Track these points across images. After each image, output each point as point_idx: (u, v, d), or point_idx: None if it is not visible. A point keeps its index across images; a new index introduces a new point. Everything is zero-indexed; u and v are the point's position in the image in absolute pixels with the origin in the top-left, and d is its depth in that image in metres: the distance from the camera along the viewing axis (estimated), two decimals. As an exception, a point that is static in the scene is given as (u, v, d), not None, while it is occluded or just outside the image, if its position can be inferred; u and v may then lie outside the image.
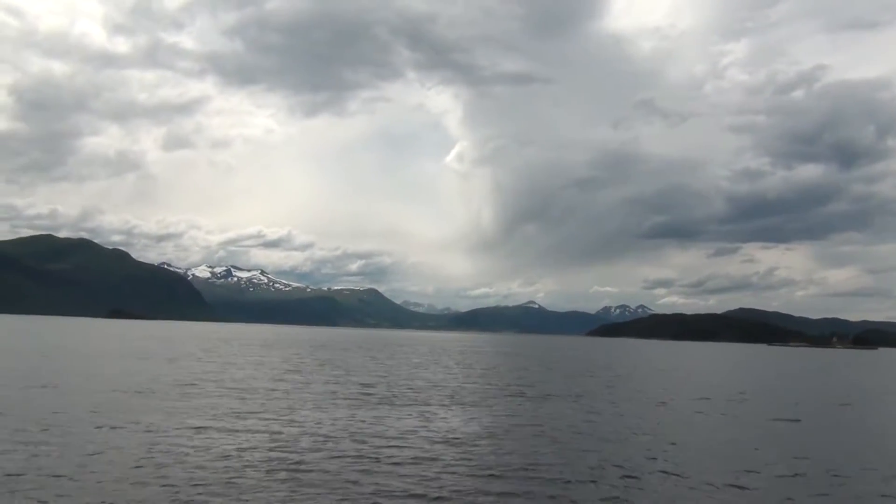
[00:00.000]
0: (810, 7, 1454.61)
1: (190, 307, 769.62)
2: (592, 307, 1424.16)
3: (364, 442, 19.83)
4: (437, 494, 14.39)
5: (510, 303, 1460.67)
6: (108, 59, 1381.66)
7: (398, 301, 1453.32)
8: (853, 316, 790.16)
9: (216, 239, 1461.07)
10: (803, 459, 20.08)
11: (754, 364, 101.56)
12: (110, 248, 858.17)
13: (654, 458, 19.17)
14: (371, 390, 34.73)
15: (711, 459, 19.81)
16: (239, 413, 24.56)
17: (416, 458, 17.93)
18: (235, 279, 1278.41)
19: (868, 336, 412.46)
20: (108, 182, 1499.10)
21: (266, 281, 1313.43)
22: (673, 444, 21.91)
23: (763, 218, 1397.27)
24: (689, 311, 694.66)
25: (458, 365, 63.88)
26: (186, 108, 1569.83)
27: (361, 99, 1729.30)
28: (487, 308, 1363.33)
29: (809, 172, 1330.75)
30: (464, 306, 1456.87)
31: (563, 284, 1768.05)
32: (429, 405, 29.57)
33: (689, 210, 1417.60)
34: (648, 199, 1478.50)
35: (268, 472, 15.61)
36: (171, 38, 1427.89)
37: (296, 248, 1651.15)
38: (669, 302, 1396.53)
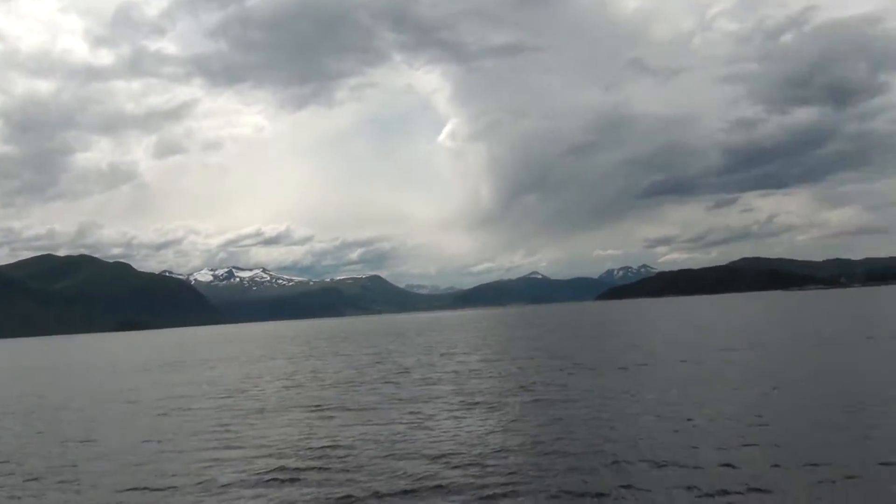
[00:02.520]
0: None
1: (196, 312, 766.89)
2: (595, 272, 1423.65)
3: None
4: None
5: (513, 275, 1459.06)
6: (92, 73, 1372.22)
7: (401, 285, 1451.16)
8: (857, 255, 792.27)
9: (215, 241, 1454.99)
10: None
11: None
12: (111, 261, 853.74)
13: None
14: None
15: None
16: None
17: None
18: (238, 280, 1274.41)
19: (880, 272, 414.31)
20: (102, 196, 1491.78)
21: (268, 279, 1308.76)
22: None
23: (760, 166, 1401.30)
24: (693, 266, 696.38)
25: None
26: (175, 113, 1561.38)
27: (349, 87, 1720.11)
28: (491, 283, 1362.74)
29: (804, 115, 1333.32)
30: (467, 284, 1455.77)
31: (565, 251, 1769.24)
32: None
33: (685, 165, 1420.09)
34: (645, 158, 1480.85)
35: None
36: (153, 44, 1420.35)
37: (295, 243, 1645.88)
38: (671, 259, 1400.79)
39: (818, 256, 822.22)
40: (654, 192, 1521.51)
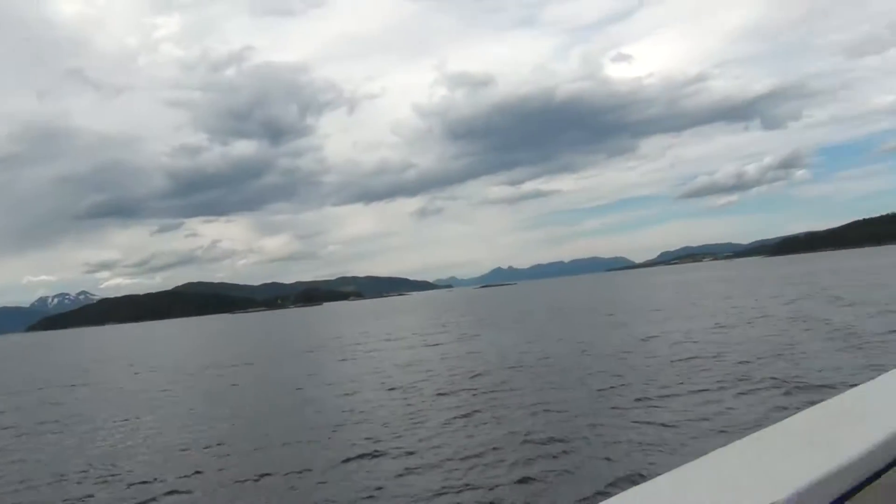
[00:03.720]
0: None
1: None
2: (26, 300, 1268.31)
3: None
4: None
5: None
6: None
7: None
8: (289, 278, 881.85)
9: None
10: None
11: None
12: None
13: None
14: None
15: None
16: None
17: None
18: None
19: (310, 294, 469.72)
20: None
21: None
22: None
23: (204, 192, 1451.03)
24: (138, 292, 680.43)
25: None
26: None
27: None
28: None
29: (244, 148, 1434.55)
30: None
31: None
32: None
33: (129, 187, 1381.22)
34: (86, 176, 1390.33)
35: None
36: None
37: None
38: (114, 284, 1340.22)
39: (256, 280, 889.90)
40: (95, 213, 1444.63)
